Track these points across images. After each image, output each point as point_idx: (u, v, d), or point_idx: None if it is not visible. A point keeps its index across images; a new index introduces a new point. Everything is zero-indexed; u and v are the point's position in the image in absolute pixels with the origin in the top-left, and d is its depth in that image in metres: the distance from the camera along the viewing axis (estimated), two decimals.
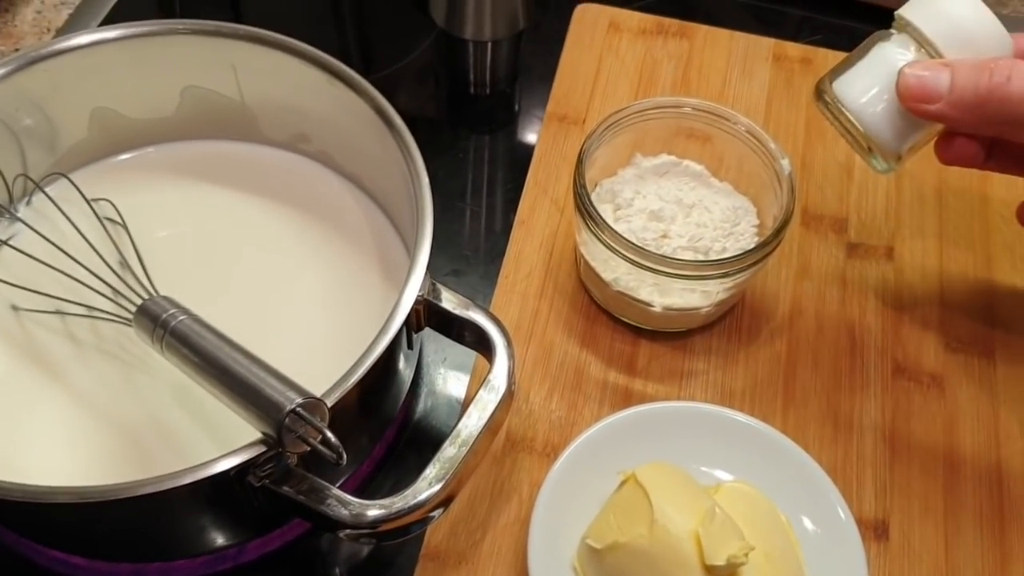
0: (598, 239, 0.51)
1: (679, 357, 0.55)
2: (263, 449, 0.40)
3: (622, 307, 0.55)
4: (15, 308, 0.52)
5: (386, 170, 0.53)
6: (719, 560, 0.42)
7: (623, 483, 0.46)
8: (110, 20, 0.70)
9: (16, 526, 0.47)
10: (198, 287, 0.50)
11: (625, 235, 0.51)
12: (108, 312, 0.49)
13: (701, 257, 0.53)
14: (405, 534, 0.42)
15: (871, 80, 0.48)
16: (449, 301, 0.48)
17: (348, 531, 0.42)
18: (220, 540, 0.46)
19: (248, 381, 0.41)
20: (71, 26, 0.67)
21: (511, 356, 0.46)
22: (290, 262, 0.55)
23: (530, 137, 0.67)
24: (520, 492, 0.50)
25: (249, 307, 0.53)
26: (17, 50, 0.65)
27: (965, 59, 0.46)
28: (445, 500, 0.42)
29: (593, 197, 0.54)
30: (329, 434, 0.39)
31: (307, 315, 0.53)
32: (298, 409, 0.39)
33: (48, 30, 0.66)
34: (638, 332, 0.55)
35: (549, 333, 0.55)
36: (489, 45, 0.71)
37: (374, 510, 0.41)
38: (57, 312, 0.51)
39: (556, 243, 0.59)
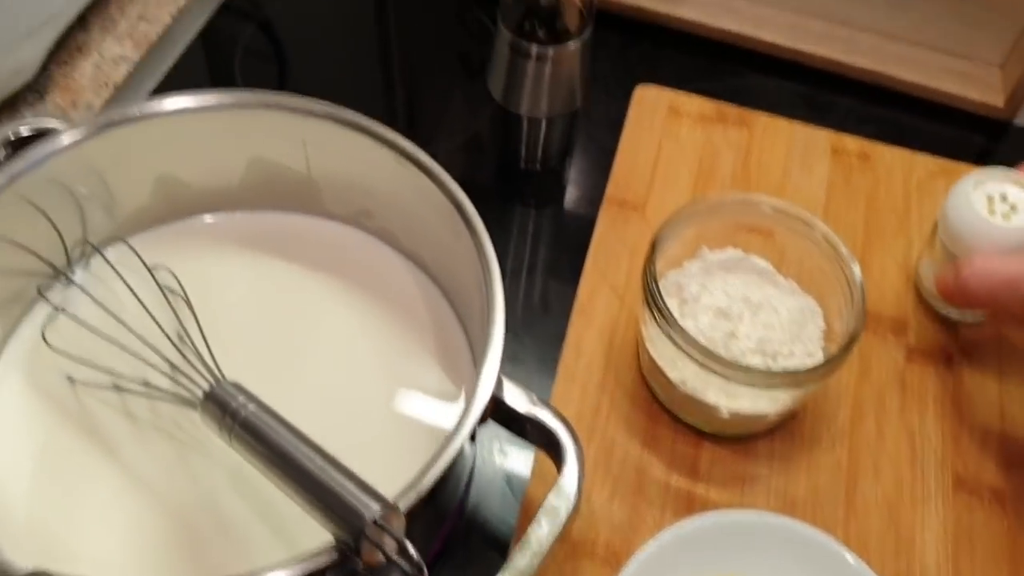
0: (668, 338, 0.50)
1: (741, 461, 0.54)
2: (335, 557, 0.39)
3: (688, 408, 0.53)
4: (71, 379, 0.50)
5: (450, 253, 0.52)
6: None
7: None
8: (168, 79, 0.69)
9: None
10: (252, 360, 0.50)
11: (692, 333, 0.50)
12: (167, 391, 0.48)
13: (769, 361, 0.52)
14: None
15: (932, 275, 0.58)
16: (515, 397, 0.46)
17: None
18: None
19: (325, 484, 0.39)
20: (130, 86, 0.67)
21: (581, 461, 0.45)
22: (347, 341, 0.54)
23: (578, 217, 0.66)
24: None
25: (305, 386, 0.52)
26: (74, 104, 0.64)
27: (962, 258, 0.53)
28: None
29: None
30: (409, 545, 0.38)
31: (363, 399, 0.52)
32: (379, 520, 0.38)
33: (106, 84, 0.65)
34: (700, 434, 0.54)
35: (611, 431, 0.54)
36: (543, 122, 0.71)
37: None
38: (114, 387, 0.50)
39: (616, 333, 0.58)
